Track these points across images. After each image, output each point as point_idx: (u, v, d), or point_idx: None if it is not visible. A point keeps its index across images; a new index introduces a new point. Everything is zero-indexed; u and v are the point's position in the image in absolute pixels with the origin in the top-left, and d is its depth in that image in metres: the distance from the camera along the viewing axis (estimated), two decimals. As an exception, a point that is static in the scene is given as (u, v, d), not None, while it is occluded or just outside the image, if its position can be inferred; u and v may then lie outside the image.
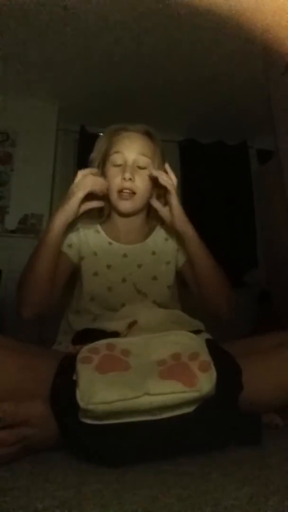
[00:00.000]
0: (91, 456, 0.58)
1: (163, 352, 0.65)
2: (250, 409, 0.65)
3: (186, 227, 0.96)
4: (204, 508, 0.43)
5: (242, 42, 2.25)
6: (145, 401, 0.55)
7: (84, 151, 2.99)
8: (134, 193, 0.96)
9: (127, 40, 2.29)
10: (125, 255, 1.00)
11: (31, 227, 2.67)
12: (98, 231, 1.03)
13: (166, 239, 1.06)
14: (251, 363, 0.68)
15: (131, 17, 2.09)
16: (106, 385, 0.56)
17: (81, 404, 0.55)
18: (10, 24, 2.12)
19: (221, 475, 0.53)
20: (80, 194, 0.89)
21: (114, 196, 0.97)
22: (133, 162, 0.95)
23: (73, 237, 0.99)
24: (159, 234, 1.06)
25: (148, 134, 1.00)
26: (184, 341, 0.69)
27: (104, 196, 0.99)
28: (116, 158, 0.96)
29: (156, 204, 1.00)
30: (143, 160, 0.96)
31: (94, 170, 0.97)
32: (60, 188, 3.04)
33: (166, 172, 1.00)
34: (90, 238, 1.01)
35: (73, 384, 0.58)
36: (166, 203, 1.00)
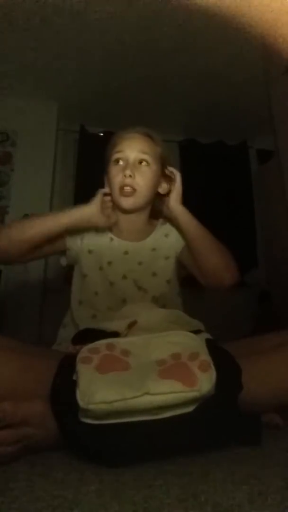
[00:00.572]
0: (91, 456, 0.58)
1: (163, 352, 0.65)
2: (250, 409, 0.65)
3: (181, 210, 1.00)
4: (204, 508, 0.43)
5: (242, 42, 2.25)
6: (145, 400, 0.55)
7: (84, 151, 3.00)
8: (135, 189, 0.97)
9: (127, 40, 2.29)
10: (126, 252, 1.02)
11: (31, 227, 2.67)
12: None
13: (166, 235, 1.07)
14: (251, 363, 0.68)
15: (131, 17, 2.08)
16: (106, 385, 0.56)
17: (81, 404, 0.55)
18: (10, 24, 2.12)
19: (221, 475, 0.53)
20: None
21: (116, 193, 0.98)
22: (134, 159, 0.97)
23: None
24: (160, 231, 1.08)
25: (148, 136, 1.02)
26: (184, 341, 0.69)
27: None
28: (118, 157, 0.98)
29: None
30: (144, 158, 0.97)
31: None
32: (60, 188, 3.04)
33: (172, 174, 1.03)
34: (91, 234, 1.03)
35: (73, 384, 0.58)
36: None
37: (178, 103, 2.96)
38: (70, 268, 1.09)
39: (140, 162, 0.97)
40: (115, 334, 0.76)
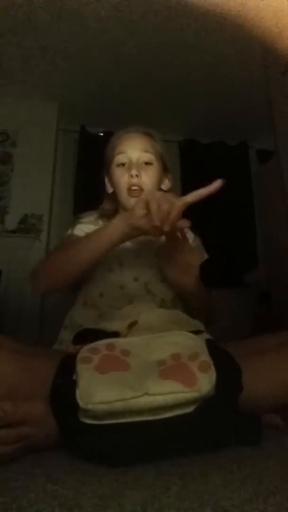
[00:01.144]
0: (91, 456, 0.58)
1: (163, 352, 0.65)
2: (250, 409, 0.65)
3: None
4: (204, 508, 0.43)
5: (242, 42, 2.25)
6: (145, 401, 0.55)
7: (84, 151, 3.01)
8: (142, 189, 0.96)
9: (127, 41, 2.29)
10: (138, 255, 1.01)
11: (31, 227, 2.67)
12: None
13: None
14: (251, 363, 0.68)
15: (132, 17, 2.09)
16: (106, 385, 0.56)
17: (81, 404, 0.55)
18: (10, 25, 2.12)
19: (221, 475, 0.53)
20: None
21: (123, 194, 0.97)
22: (137, 159, 0.96)
23: (91, 228, 0.99)
24: None
25: (148, 135, 1.01)
26: (184, 341, 0.69)
27: (115, 199, 1.02)
28: (120, 158, 0.97)
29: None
30: (147, 156, 0.97)
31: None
32: (60, 188, 3.05)
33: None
34: None
35: (73, 384, 0.58)
36: None
37: (178, 103, 2.96)
38: None
39: (144, 162, 0.97)
40: (116, 334, 0.76)
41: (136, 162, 0.96)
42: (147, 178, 0.96)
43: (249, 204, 3.36)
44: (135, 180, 0.94)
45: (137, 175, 0.94)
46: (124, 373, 0.60)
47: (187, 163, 3.35)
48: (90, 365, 0.61)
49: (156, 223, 0.70)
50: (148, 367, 0.61)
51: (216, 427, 0.61)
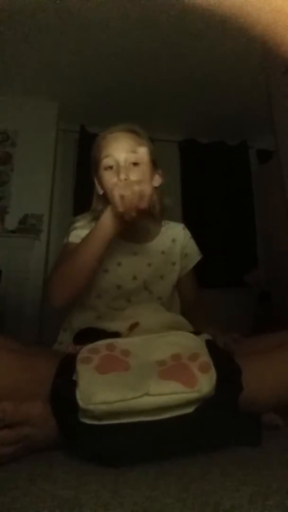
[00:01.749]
0: (91, 456, 0.58)
1: (163, 352, 0.65)
2: (250, 409, 0.65)
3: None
4: (204, 508, 0.43)
5: (242, 42, 2.25)
6: (145, 401, 0.55)
7: (84, 151, 3.00)
8: None
9: (128, 41, 2.29)
10: (135, 253, 1.01)
11: (31, 227, 2.67)
12: None
13: (173, 240, 1.08)
14: (251, 363, 0.68)
15: (132, 18, 2.08)
16: (106, 385, 0.56)
17: (81, 404, 0.55)
18: (10, 25, 2.12)
19: (221, 475, 0.53)
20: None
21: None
22: (125, 161, 0.94)
23: (86, 232, 0.98)
24: (167, 234, 1.08)
25: (133, 132, 0.99)
26: (184, 342, 0.69)
27: (106, 200, 1.00)
28: (107, 161, 0.95)
29: None
30: (134, 157, 0.94)
31: None
32: (60, 188, 3.05)
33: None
34: None
35: (73, 384, 0.58)
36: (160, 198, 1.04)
37: (178, 103, 2.96)
38: None
39: (131, 163, 0.94)
40: (117, 335, 0.76)
41: (123, 164, 0.93)
42: (136, 179, 0.94)
43: (249, 204, 3.36)
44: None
45: (126, 179, 0.92)
46: (124, 373, 0.60)
47: (187, 163, 3.35)
48: (90, 365, 0.61)
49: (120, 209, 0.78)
50: (148, 367, 0.61)
51: (216, 427, 0.61)
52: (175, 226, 1.11)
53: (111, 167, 0.94)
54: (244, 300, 3.00)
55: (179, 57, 2.44)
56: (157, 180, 1.03)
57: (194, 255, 1.11)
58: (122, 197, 0.77)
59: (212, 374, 0.59)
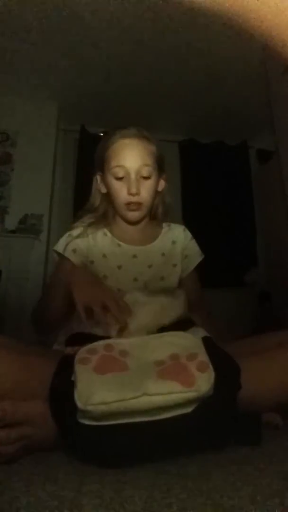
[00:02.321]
0: (90, 457, 0.58)
1: (161, 352, 0.65)
2: (250, 408, 0.65)
3: None
4: (204, 508, 0.43)
5: (242, 42, 2.25)
6: (144, 401, 0.55)
7: (84, 151, 3.00)
8: (141, 203, 0.97)
9: (127, 41, 2.29)
10: (134, 256, 1.01)
11: (31, 227, 2.67)
12: (106, 234, 1.04)
13: (174, 242, 1.08)
14: (250, 362, 0.68)
15: (132, 18, 2.08)
16: (104, 386, 0.56)
17: (79, 405, 0.55)
18: (10, 25, 2.12)
19: (221, 475, 0.53)
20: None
21: (121, 208, 0.99)
22: (136, 173, 0.95)
23: (79, 242, 1.00)
24: (167, 236, 1.08)
25: (145, 138, 0.98)
26: (182, 341, 0.69)
27: (109, 201, 1.02)
28: (118, 171, 0.95)
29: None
30: (146, 170, 0.95)
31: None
32: (60, 188, 3.04)
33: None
34: (99, 241, 1.02)
35: (72, 385, 0.58)
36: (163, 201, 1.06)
37: (178, 103, 2.96)
38: None
39: (143, 175, 0.95)
40: (107, 338, 0.76)
41: (135, 177, 0.94)
42: (146, 192, 0.97)
43: (249, 204, 3.36)
44: (135, 198, 0.95)
45: (136, 193, 0.94)
46: (122, 373, 0.60)
47: (187, 163, 3.35)
48: (88, 366, 0.61)
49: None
50: (147, 367, 0.61)
51: (215, 426, 0.61)
52: (176, 227, 1.11)
53: (121, 178, 0.95)
54: (244, 300, 3.00)
55: (179, 57, 2.44)
56: (161, 185, 1.04)
57: (195, 256, 1.10)
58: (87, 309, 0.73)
59: (210, 373, 0.59)
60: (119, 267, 0.98)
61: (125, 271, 0.98)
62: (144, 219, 1.04)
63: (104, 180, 1.01)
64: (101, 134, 3.07)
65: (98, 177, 1.04)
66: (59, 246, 1.02)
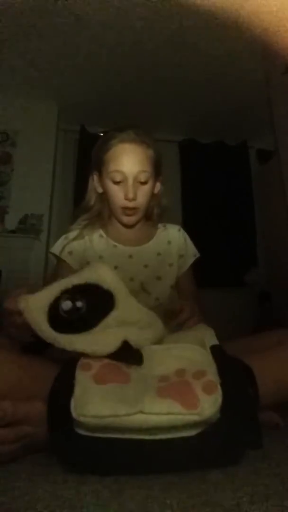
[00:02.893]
0: (82, 468, 0.55)
1: (168, 366, 0.62)
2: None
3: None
4: (204, 508, 0.43)
5: (242, 42, 2.25)
6: (139, 419, 0.51)
7: (84, 151, 3.00)
8: (137, 208, 0.98)
9: (128, 41, 2.29)
10: (130, 256, 1.02)
11: (31, 227, 2.67)
12: (101, 235, 1.05)
13: (169, 242, 1.09)
14: (250, 361, 0.68)
15: (132, 18, 2.08)
16: (100, 397, 0.53)
17: (74, 414, 0.52)
18: (10, 25, 2.12)
19: (221, 475, 0.53)
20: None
21: (117, 211, 1.00)
22: (134, 179, 0.95)
23: (75, 245, 1.01)
24: (162, 236, 1.09)
25: (144, 143, 0.98)
26: (191, 355, 0.65)
27: (104, 200, 1.03)
28: (116, 176, 0.95)
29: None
30: (144, 176, 0.96)
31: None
32: (60, 188, 3.05)
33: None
34: (95, 243, 1.03)
35: (71, 390, 0.56)
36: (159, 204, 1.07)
37: (178, 103, 2.96)
38: None
39: (140, 180, 0.96)
40: None
41: (132, 183, 0.95)
42: (142, 197, 0.97)
43: (249, 204, 3.36)
44: (131, 204, 0.96)
45: (133, 199, 0.95)
46: (123, 386, 0.57)
47: (187, 163, 3.35)
48: (88, 373, 0.58)
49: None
50: (149, 382, 0.58)
51: (222, 452, 0.56)
52: (171, 228, 1.12)
53: (118, 182, 0.96)
54: (244, 300, 3.00)
55: (179, 57, 2.44)
56: (157, 187, 1.05)
57: (190, 255, 1.11)
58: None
59: (217, 396, 0.54)
60: (115, 267, 0.99)
61: (121, 271, 0.99)
62: (139, 221, 1.05)
63: (101, 181, 1.02)
64: (101, 134, 3.08)
65: (95, 176, 1.05)
66: (56, 249, 1.04)
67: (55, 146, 2.95)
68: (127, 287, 0.96)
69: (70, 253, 1.00)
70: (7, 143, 2.81)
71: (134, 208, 0.98)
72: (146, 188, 0.98)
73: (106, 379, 0.57)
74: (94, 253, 1.01)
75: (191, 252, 1.12)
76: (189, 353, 0.65)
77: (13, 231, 2.64)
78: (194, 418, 0.51)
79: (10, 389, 0.61)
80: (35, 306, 0.64)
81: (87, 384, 0.56)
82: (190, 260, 1.11)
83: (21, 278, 2.54)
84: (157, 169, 1.02)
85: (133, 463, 0.54)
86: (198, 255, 1.13)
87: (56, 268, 1.05)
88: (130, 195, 0.94)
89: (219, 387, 0.55)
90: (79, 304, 0.65)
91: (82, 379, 0.57)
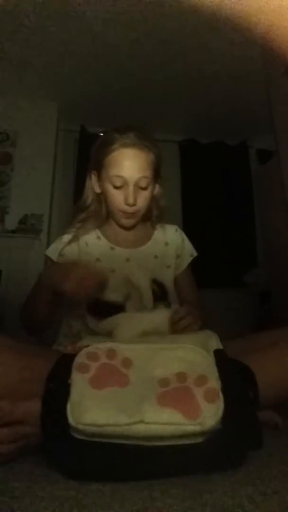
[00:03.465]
0: (75, 473, 0.53)
1: (168, 368, 0.59)
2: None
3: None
4: (204, 508, 0.43)
5: (242, 42, 2.25)
6: (139, 429, 0.50)
7: (84, 151, 3.00)
8: (136, 211, 0.98)
9: (128, 41, 2.29)
10: (128, 260, 1.02)
11: (31, 227, 2.67)
12: (99, 237, 1.04)
13: (166, 244, 1.08)
14: (250, 361, 0.68)
15: (132, 18, 2.08)
16: (99, 404, 0.52)
17: (71, 420, 0.51)
18: (10, 25, 2.12)
19: (221, 475, 0.53)
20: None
21: (116, 214, 0.99)
22: (135, 184, 0.95)
23: (69, 248, 1.01)
24: (159, 237, 1.09)
25: (145, 147, 0.96)
26: (192, 358, 0.63)
27: (101, 200, 1.03)
28: (117, 181, 0.95)
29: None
30: (144, 182, 0.95)
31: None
32: (60, 188, 3.04)
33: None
34: (91, 245, 1.03)
35: (67, 391, 0.54)
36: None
37: (178, 103, 2.96)
38: None
39: (141, 186, 0.96)
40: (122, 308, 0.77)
41: (133, 189, 0.94)
42: (142, 202, 0.97)
43: (249, 204, 3.36)
44: (131, 209, 0.96)
45: (133, 204, 0.95)
46: (121, 390, 0.55)
47: (187, 163, 3.35)
48: (86, 375, 0.56)
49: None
50: (149, 386, 0.56)
51: (223, 457, 0.55)
52: (168, 228, 1.11)
53: (119, 187, 0.95)
54: (244, 300, 3.00)
55: (179, 57, 2.44)
56: (156, 189, 1.04)
57: (187, 255, 1.11)
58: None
59: (219, 405, 0.52)
60: (113, 271, 0.98)
61: (118, 274, 0.98)
62: (138, 223, 1.05)
63: (99, 182, 1.01)
64: (101, 134, 3.08)
65: (93, 176, 1.04)
66: (50, 251, 1.04)
67: (55, 146, 2.95)
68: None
69: (63, 255, 1.00)
70: (7, 143, 2.81)
71: (133, 213, 0.98)
72: (146, 193, 0.97)
73: (104, 382, 0.55)
74: (91, 256, 1.00)
75: (188, 252, 1.12)
76: (191, 356, 0.63)
77: (13, 231, 2.64)
78: (196, 428, 0.50)
79: (10, 388, 0.61)
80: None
81: (84, 389, 0.54)
82: (187, 260, 1.11)
83: (21, 278, 2.53)
84: (157, 172, 1.01)
85: (132, 469, 0.53)
86: (195, 254, 1.12)
87: (45, 270, 1.05)
88: (131, 201, 0.93)
89: (221, 395, 0.54)
90: None
91: (79, 382, 0.55)
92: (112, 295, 0.83)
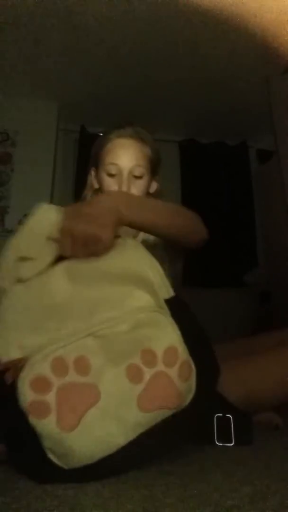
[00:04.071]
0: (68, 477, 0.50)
1: (130, 350, 0.51)
2: (249, 408, 0.65)
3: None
4: (204, 508, 0.43)
5: (242, 42, 2.25)
6: (127, 439, 0.50)
7: (84, 151, 3.00)
8: None
9: (127, 41, 2.29)
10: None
11: (31, 227, 2.67)
12: None
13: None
14: (249, 362, 0.69)
15: (132, 18, 2.08)
16: (82, 444, 0.48)
17: (60, 464, 0.49)
18: (10, 25, 2.12)
19: (221, 475, 0.53)
20: None
21: None
22: (128, 172, 0.96)
23: None
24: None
25: (141, 140, 0.99)
26: (153, 332, 0.53)
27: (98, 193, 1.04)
28: (111, 168, 0.96)
29: None
30: (138, 170, 0.97)
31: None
32: (60, 188, 3.04)
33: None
34: None
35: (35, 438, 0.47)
36: None
37: (178, 103, 2.96)
38: None
39: (135, 174, 0.97)
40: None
41: (127, 176, 0.95)
42: (136, 192, 0.97)
43: (249, 204, 3.36)
44: None
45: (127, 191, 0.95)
46: (95, 412, 0.47)
47: (187, 163, 3.35)
48: (50, 420, 0.46)
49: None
50: (121, 386, 0.49)
51: (194, 428, 0.57)
52: None
53: (113, 175, 0.96)
54: (244, 300, 3.00)
55: (179, 57, 2.43)
56: (154, 187, 1.05)
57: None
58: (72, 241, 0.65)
59: (193, 380, 0.52)
60: None
61: None
62: None
63: (97, 176, 1.03)
64: (101, 134, 3.08)
65: (93, 172, 1.06)
66: None
67: (55, 146, 2.95)
68: None
69: None
70: (7, 143, 2.81)
71: None
72: (140, 183, 0.98)
73: (74, 416, 0.46)
74: None
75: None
76: (150, 330, 0.53)
77: (13, 231, 2.63)
78: (177, 410, 0.51)
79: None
80: None
81: (57, 437, 0.46)
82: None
83: (21, 278, 2.53)
84: (154, 167, 1.02)
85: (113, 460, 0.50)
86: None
87: None
88: (124, 188, 0.94)
89: (192, 366, 0.52)
90: None
91: (47, 432, 0.46)
92: None
